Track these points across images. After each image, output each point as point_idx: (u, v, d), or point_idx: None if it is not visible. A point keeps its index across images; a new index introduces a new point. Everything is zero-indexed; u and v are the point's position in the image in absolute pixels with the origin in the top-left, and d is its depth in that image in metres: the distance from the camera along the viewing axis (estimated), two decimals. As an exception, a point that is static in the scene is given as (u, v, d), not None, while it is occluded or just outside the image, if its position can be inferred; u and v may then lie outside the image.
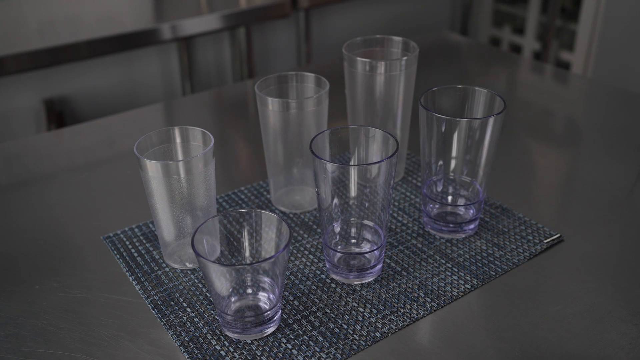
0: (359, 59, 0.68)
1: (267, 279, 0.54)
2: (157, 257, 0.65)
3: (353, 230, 0.61)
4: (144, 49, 1.69)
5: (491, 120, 0.60)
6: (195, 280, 0.62)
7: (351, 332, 0.55)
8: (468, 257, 0.64)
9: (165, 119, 1.00)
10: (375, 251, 0.60)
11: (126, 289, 0.61)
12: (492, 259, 0.63)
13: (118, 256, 0.65)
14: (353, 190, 0.56)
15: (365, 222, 0.60)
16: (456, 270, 0.62)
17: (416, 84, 0.73)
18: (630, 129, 0.88)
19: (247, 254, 0.57)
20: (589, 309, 0.57)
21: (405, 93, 0.70)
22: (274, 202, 0.72)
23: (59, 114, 1.58)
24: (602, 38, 1.86)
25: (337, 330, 0.56)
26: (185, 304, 0.59)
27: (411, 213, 0.70)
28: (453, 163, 0.65)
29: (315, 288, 0.60)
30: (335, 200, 0.58)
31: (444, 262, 0.63)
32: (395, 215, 0.70)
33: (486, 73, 1.12)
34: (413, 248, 0.65)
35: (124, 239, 0.67)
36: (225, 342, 0.54)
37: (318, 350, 0.53)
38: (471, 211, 0.66)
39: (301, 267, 0.63)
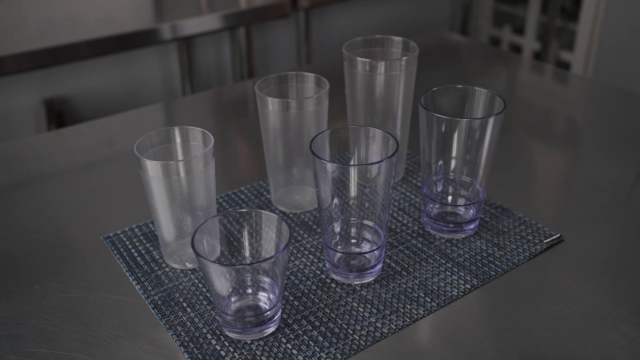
0: (359, 59, 0.68)
1: (267, 279, 0.54)
2: (157, 257, 0.65)
3: (353, 230, 0.61)
4: (144, 49, 1.69)
5: (491, 120, 0.60)
6: (195, 280, 0.62)
7: (351, 332, 0.55)
8: (468, 257, 0.64)
9: (165, 119, 1.00)
10: (375, 251, 0.60)
11: (126, 289, 0.61)
12: (492, 259, 0.63)
13: (118, 256, 0.65)
14: (353, 190, 0.56)
15: (365, 222, 0.60)
16: (456, 270, 0.62)
17: (416, 84, 0.73)
18: (630, 129, 0.88)
19: (247, 254, 0.57)
20: (589, 309, 0.57)
21: (405, 93, 0.70)
22: (274, 202, 0.72)
23: (59, 114, 1.58)
24: (602, 38, 1.86)
25: (337, 330, 0.55)
26: (185, 304, 0.59)
27: (411, 213, 0.70)
28: (453, 163, 0.65)
29: (315, 288, 0.60)
30: (335, 200, 0.57)
31: (444, 262, 0.63)
32: (395, 215, 0.70)
33: (486, 73, 1.12)
34: (413, 248, 0.65)
35: (124, 239, 0.67)
36: (225, 342, 0.54)
37: (318, 350, 0.53)
38: (471, 211, 0.66)
39: (301, 267, 0.63)
